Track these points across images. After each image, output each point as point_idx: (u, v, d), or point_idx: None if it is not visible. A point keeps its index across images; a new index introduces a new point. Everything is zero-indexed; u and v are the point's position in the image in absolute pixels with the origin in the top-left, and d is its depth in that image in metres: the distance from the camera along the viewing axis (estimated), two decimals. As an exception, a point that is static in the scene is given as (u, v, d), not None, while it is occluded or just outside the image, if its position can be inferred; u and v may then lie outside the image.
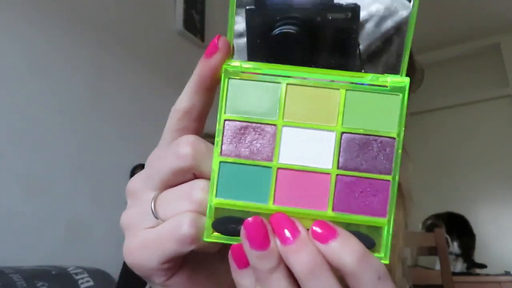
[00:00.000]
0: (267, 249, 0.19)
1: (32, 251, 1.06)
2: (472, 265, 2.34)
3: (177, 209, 0.22)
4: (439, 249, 1.41)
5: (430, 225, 2.27)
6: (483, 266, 2.33)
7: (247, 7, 0.22)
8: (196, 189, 0.22)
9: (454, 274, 1.63)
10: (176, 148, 0.22)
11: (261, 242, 0.19)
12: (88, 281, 0.96)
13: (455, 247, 2.34)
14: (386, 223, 0.20)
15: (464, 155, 3.07)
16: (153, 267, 0.22)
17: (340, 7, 0.21)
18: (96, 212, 1.20)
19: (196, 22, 1.83)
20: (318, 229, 0.20)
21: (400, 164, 0.21)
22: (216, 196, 0.21)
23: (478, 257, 2.47)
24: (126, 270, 1.08)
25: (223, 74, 0.22)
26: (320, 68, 0.22)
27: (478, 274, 2.29)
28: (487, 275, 2.18)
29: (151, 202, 0.23)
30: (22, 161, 1.10)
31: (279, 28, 0.22)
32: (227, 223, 0.21)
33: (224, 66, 0.22)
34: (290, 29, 0.22)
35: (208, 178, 0.22)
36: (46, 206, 1.13)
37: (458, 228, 2.41)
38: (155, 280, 0.23)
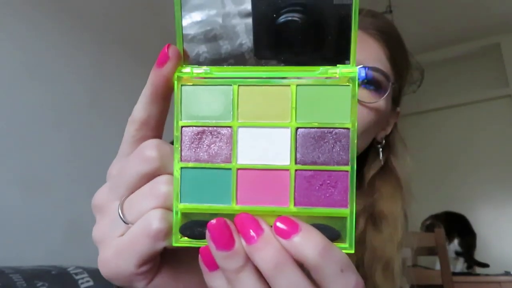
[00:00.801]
0: (232, 249, 0.20)
1: (32, 251, 1.06)
2: (474, 264, 2.33)
3: (144, 207, 0.22)
4: (439, 249, 1.41)
5: (430, 225, 2.26)
6: (485, 265, 2.33)
7: None
8: (159, 184, 0.22)
9: (454, 274, 1.63)
10: (141, 153, 0.22)
11: (226, 243, 0.20)
12: (88, 281, 0.96)
13: (456, 245, 2.34)
14: (348, 213, 0.20)
15: (464, 155, 3.07)
16: (131, 272, 0.22)
17: None
18: (96, 212, 1.20)
19: (196, 22, 1.83)
20: (280, 225, 0.20)
21: (355, 154, 0.21)
22: (180, 201, 0.21)
23: (478, 257, 2.46)
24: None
25: (175, 82, 0.22)
26: (326, 55, 0.22)
27: (478, 274, 2.29)
28: (487, 275, 2.18)
29: (118, 208, 0.23)
30: (22, 161, 1.10)
31: (284, 16, 0.21)
32: (194, 227, 0.21)
33: (176, 74, 0.22)
34: (294, 17, 0.21)
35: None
36: (46, 206, 1.13)
37: (459, 227, 2.41)
38: (137, 285, 0.23)
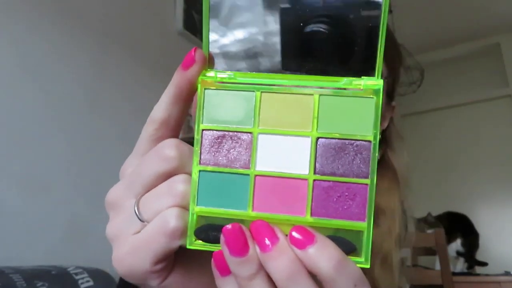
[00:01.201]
0: (246, 256, 0.20)
1: (32, 251, 1.06)
2: (474, 264, 2.33)
3: (161, 206, 0.22)
4: (439, 249, 1.41)
5: (428, 221, 2.25)
6: (484, 263, 2.33)
7: (281, 6, 0.22)
8: (176, 183, 0.22)
9: (454, 274, 1.63)
10: (161, 151, 0.22)
11: (240, 249, 0.20)
12: (88, 281, 0.96)
13: (458, 245, 2.33)
14: (365, 227, 0.20)
15: (463, 155, 3.07)
16: (146, 269, 0.22)
17: (369, 2, 0.21)
18: (96, 212, 1.20)
19: (196, 22, 1.83)
20: (296, 235, 0.20)
21: (376, 168, 0.21)
22: (197, 204, 0.21)
23: (478, 257, 2.47)
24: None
25: (199, 85, 0.22)
26: (350, 65, 0.22)
27: (478, 274, 2.29)
28: (487, 275, 2.18)
29: (134, 205, 0.23)
30: (22, 161, 1.10)
31: (310, 27, 0.22)
32: (209, 230, 0.21)
33: (200, 77, 0.22)
34: (321, 28, 0.22)
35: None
36: (46, 206, 1.13)
37: (461, 226, 2.40)
38: (151, 283, 0.23)
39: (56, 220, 1.15)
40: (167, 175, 0.22)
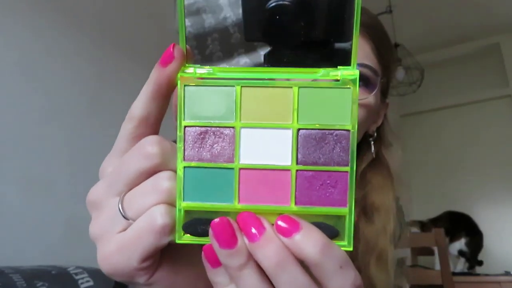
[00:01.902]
0: (235, 247, 0.20)
1: (32, 251, 1.06)
2: (475, 263, 2.33)
3: (146, 203, 0.22)
4: (439, 249, 1.41)
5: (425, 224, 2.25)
6: (480, 262, 2.33)
7: None
8: (161, 180, 0.22)
9: (454, 274, 1.63)
10: (142, 149, 0.22)
11: (229, 241, 0.20)
12: (88, 281, 0.96)
13: (462, 244, 2.32)
14: (347, 212, 0.21)
15: (464, 155, 3.07)
16: (134, 267, 0.22)
17: None
18: (96, 212, 1.20)
19: (196, 22, 1.83)
20: (282, 224, 0.20)
21: (355, 155, 0.21)
22: (183, 199, 0.22)
23: (478, 257, 2.47)
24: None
25: (179, 82, 0.22)
26: (316, 43, 0.22)
27: (478, 274, 2.29)
28: (487, 275, 2.18)
29: (118, 204, 0.23)
30: (22, 162, 1.10)
31: (273, 1, 0.22)
32: (197, 224, 0.21)
33: (180, 74, 0.22)
34: (285, 1, 0.22)
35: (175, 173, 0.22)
36: (46, 206, 1.13)
37: (465, 226, 2.39)
38: (138, 280, 0.23)
39: (56, 220, 1.15)
40: (150, 173, 0.22)
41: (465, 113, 3.16)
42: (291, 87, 0.22)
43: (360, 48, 0.47)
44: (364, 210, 0.50)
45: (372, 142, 0.52)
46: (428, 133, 3.22)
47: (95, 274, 1.00)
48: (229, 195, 0.21)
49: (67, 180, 1.20)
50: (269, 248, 0.20)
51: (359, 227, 0.50)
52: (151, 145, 0.22)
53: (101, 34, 1.39)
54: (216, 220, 0.20)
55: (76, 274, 0.96)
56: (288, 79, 0.22)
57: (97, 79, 1.36)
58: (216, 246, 0.20)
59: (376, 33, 0.50)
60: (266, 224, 0.21)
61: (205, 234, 0.21)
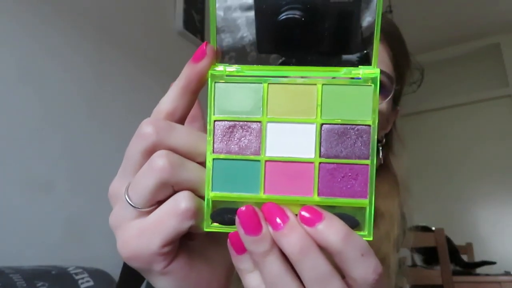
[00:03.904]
0: (260, 234, 0.21)
1: (32, 251, 1.06)
2: (464, 266, 2.26)
3: (143, 183, 0.22)
4: (439, 249, 1.41)
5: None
6: (478, 265, 2.31)
7: None
8: (155, 158, 0.22)
9: (454, 274, 1.63)
10: (138, 131, 0.23)
11: (254, 228, 0.21)
12: (88, 281, 0.96)
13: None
14: (367, 204, 0.22)
15: (464, 155, 3.07)
16: (153, 251, 0.23)
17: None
18: (96, 212, 1.20)
19: (196, 22, 1.83)
20: (305, 214, 0.21)
21: (375, 149, 0.22)
22: (212, 190, 0.23)
23: (478, 257, 2.46)
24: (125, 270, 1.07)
25: (209, 79, 0.24)
26: (323, 52, 0.23)
27: (478, 274, 2.28)
28: (487, 275, 2.18)
29: (124, 192, 0.23)
30: (22, 162, 1.10)
31: (285, 13, 0.23)
32: (224, 213, 0.23)
33: (210, 71, 0.24)
34: (295, 14, 0.23)
35: (179, 152, 0.23)
36: (46, 206, 1.13)
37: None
38: (155, 267, 0.23)
39: (56, 220, 1.15)
40: (148, 153, 0.23)
41: (465, 113, 3.16)
42: (315, 84, 0.23)
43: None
44: None
45: (381, 148, 0.52)
46: (428, 133, 3.22)
47: (95, 274, 1.00)
48: (255, 186, 0.23)
49: (67, 180, 1.20)
50: (292, 236, 0.21)
51: None
52: (145, 125, 0.23)
53: (101, 34, 1.39)
54: (243, 208, 0.21)
55: (76, 274, 0.96)
56: (312, 77, 0.23)
57: (97, 80, 1.36)
58: (242, 232, 0.21)
59: (394, 40, 0.51)
60: (289, 214, 0.22)
61: (231, 223, 0.22)
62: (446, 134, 3.19)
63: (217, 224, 0.23)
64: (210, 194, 0.23)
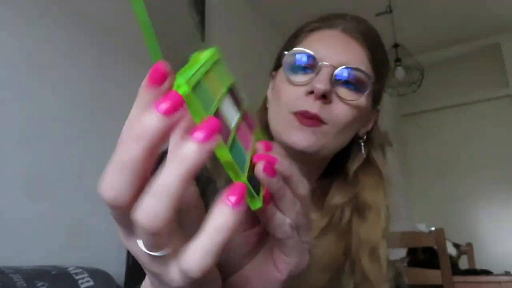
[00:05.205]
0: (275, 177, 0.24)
1: (32, 251, 1.06)
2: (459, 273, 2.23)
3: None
4: (439, 249, 1.41)
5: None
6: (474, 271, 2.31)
7: None
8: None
9: (454, 274, 1.63)
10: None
11: (271, 170, 0.24)
12: (88, 281, 0.96)
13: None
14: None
15: (464, 155, 3.07)
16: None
17: None
18: (96, 212, 1.20)
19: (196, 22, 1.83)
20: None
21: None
22: (243, 172, 0.23)
23: (478, 257, 2.46)
24: (131, 267, 1.07)
25: (186, 96, 0.22)
26: None
27: (478, 274, 2.28)
28: (487, 275, 2.18)
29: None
30: (23, 162, 1.10)
31: None
32: (252, 185, 0.24)
33: (182, 89, 0.21)
34: None
35: None
36: (46, 207, 1.13)
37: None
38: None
39: (56, 220, 1.15)
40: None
41: (465, 113, 3.16)
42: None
43: (356, 54, 0.50)
44: (357, 207, 0.53)
45: (362, 144, 0.55)
46: (428, 133, 3.22)
47: (95, 274, 1.00)
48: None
49: (67, 181, 1.20)
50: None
51: (352, 224, 0.52)
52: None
53: (103, 33, 1.39)
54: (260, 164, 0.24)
55: (76, 274, 0.96)
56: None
57: (100, 81, 1.36)
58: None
59: (374, 44, 0.53)
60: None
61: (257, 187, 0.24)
62: (445, 134, 3.19)
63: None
64: (242, 178, 0.22)
